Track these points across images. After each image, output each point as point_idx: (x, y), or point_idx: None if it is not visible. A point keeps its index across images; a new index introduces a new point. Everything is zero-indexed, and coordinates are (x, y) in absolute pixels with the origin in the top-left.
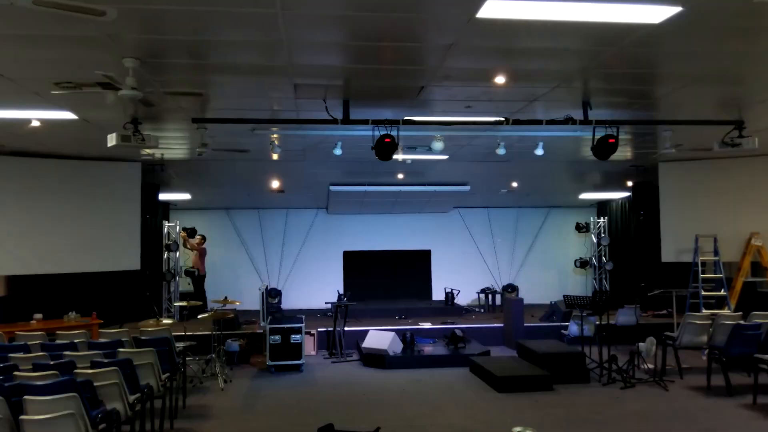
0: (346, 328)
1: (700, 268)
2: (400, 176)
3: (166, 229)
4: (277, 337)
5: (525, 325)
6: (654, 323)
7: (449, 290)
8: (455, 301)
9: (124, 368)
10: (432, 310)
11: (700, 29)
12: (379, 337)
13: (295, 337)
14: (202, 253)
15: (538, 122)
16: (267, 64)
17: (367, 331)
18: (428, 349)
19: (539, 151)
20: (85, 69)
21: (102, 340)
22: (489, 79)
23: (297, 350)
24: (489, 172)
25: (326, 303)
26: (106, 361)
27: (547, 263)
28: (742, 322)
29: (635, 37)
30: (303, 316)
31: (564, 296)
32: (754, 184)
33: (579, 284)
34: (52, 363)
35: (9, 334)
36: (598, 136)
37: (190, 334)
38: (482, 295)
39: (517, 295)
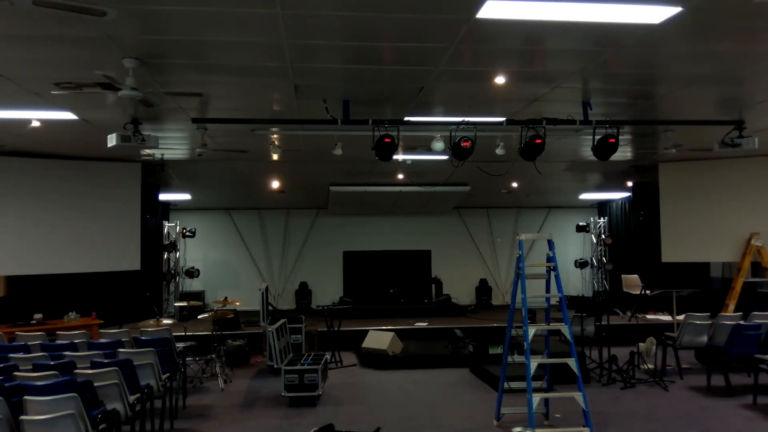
0: (345, 329)
1: None
2: (400, 176)
3: (166, 229)
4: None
5: None
6: (653, 323)
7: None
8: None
9: (124, 368)
10: (432, 310)
11: (700, 29)
12: (379, 337)
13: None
14: None
15: (539, 122)
16: (267, 65)
17: (367, 331)
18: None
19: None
20: (85, 69)
21: (102, 340)
22: (489, 79)
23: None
24: (489, 171)
25: (317, 306)
26: (106, 361)
27: None
28: (742, 322)
29: (635, 37)
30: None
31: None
32: (754, 184)
33: (579, 284)
34: (52, 363)
35: (9, 334)
36: (598, 136)
37: (190, 334)
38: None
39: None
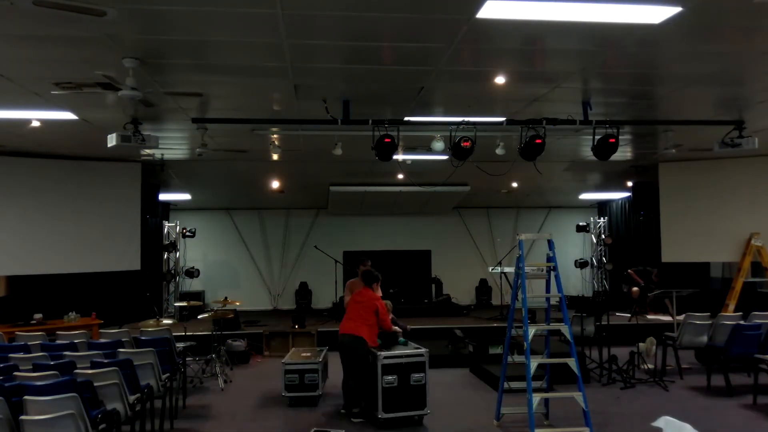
0: None
1: None
2: (400, 176)
3: (166, 229)
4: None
5: None
6: (653, 323)
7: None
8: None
9: (124, 368)
10: (432, 310)
11: (700, 29)
12: None
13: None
14: None
15: (539, 122)
16: (267, 65)
17: None
18: None
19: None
20: (85, 69)
21: (102, 340)
22: (489, 79)
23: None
24: (489, 171)
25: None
26: (106, 361)
27: None
28: (742, 322)
29: (635, 37)
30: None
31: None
32: (754, 184)
33: (579, 284)
34: (52, 363)
35: (9, 334)
36: (598, 136)
37: (190, 334)
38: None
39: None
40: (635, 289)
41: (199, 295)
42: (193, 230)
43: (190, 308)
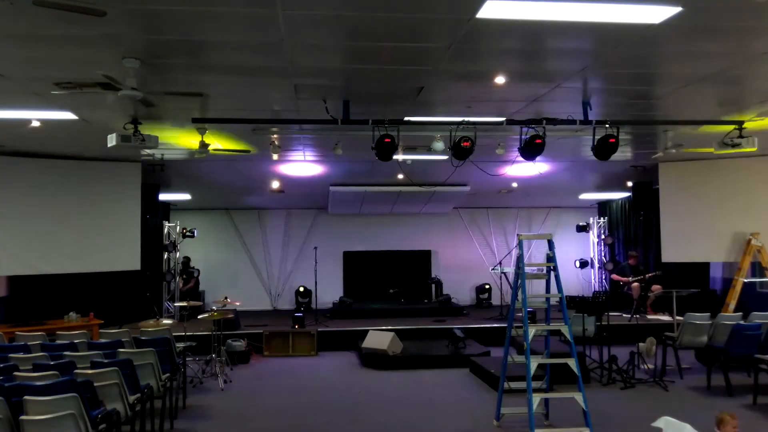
0: (345, 329)
1: None
2: (400, 176)
3: (166, 229)
4: None
5: None
6: (653, 323)
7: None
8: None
9: (124, 368)
10: (432, 310)
11: (700, 29)
12: (379, 337)
13: None
14: None
15: (538, 122)
16: (267, 65)
17: (367, 331)
18: None
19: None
20: (85, 69)
21: (102, 340)
22: (489, 79)
23: None
24: (490, 171)
25: None
26: (106, 361)
27: None
28: (742, 322)
29: (635, 37)
30: None
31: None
32: (754, 184)
33: (579, 284)
34: (52, 363)
35: (9, 334)
36: (598, 136)
37: (190, 334)
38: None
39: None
40: (635, 284)
41: (199, 295)
42: (193, 230)
43: (190, 308)
